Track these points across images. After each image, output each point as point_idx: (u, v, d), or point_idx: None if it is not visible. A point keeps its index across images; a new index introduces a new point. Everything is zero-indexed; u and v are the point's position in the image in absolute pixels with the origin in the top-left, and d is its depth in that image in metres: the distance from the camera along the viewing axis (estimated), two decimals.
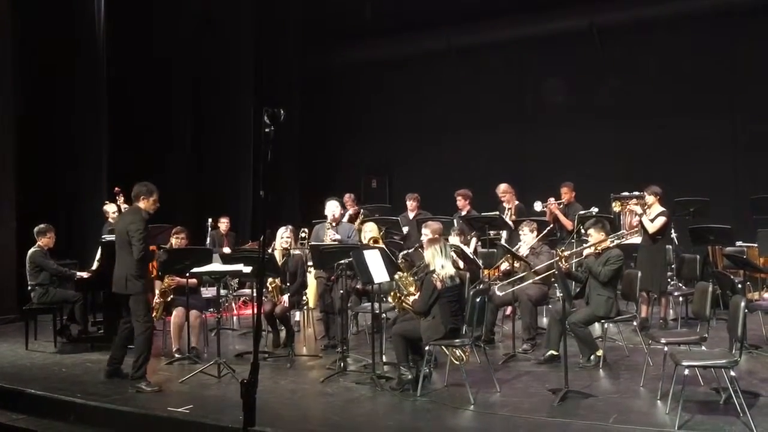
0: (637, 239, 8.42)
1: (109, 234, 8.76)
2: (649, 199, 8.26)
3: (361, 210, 10.53)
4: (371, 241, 7.94)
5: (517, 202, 9.54)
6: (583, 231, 7.99)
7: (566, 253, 6.99)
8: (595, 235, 7.02)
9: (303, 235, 8.39)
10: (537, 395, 5.88)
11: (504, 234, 9.02)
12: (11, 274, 9.68)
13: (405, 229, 9.60)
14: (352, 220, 9.70)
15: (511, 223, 8.86)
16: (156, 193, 6.51)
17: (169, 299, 7.60)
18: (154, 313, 8.35)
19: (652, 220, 8.09)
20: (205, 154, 13.41)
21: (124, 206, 9.35)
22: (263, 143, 3.34)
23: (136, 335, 6.34)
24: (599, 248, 6.95)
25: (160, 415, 5.64)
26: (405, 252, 7.62)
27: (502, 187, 9.60)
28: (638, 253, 8.30)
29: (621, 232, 8.47)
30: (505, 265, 7.80)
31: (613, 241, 7.17)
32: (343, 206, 9.71)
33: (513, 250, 7.71)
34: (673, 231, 9.12)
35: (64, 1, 10.98)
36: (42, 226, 8.44)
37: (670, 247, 8.97)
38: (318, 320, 8.71)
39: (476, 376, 6.24)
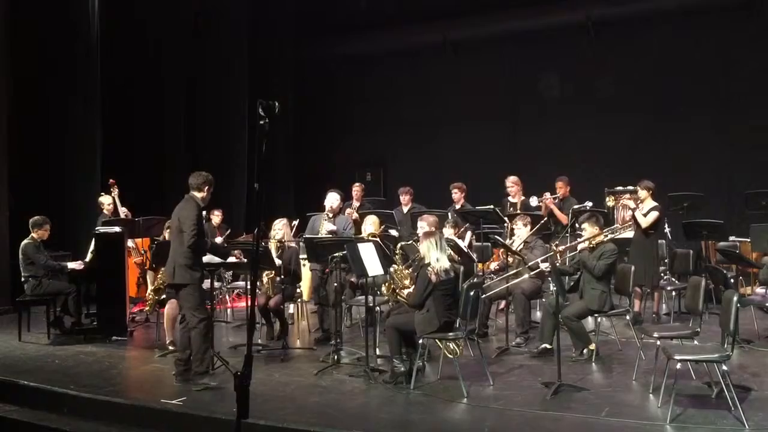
0: (630, 233, 8.44)
1: (104, 226, 8.76)
2: (642, 193, 8.30)
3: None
4: (369, 236, 7.94)
5: (523, 197, 9.46)
6: (577, 225, 7.99)
7: (561, 248, 7.00)
8: (589, 230, 7.03)
9: (294, 223, 8.38)
10: (530, 389, 5.90)
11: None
12: (5, 265, 9.66)
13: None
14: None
15: (505, 217, 8.85)
16: (213, 184, 6.47)
17: (161, 297, 7.59)
18: (146, 307, 8.36)
19: (645, 215, 8.11)
20: (199, 147, 13.37)
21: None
22: (258, 136, 3.32)
23: (189, 328, 6.20)
24: (593, 242, 6.96)
25: (154, 407, 5.64)
26: (402, 243, 7.63)
27: (512, 179, 9.49)
28: (631, 248, 8.32)
29: (614, 226, 8.49)
30: (494, 265, 7.82)
31: (606, 235, 7.18)
32: (349, 197, 9.74)
33: (507, 244, 7.71)
34: (666, 225, 9.15)
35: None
36: (38, 218, 8.38)
37: (664, 241, 9.00)
38: (312, 313, 8.71)
39: (469, 369, 6.25)
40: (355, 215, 9.15)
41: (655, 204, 8.24)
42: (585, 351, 6.69)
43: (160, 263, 7.47)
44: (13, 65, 10.30)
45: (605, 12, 12.39)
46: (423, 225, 7.26)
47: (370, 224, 8.14)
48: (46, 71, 10.71)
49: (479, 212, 8.77)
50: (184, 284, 6.20)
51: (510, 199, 9.52)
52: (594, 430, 5.03)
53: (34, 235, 8.27)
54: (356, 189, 10.17)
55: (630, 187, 8.98)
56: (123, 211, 9.56)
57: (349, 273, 7.66)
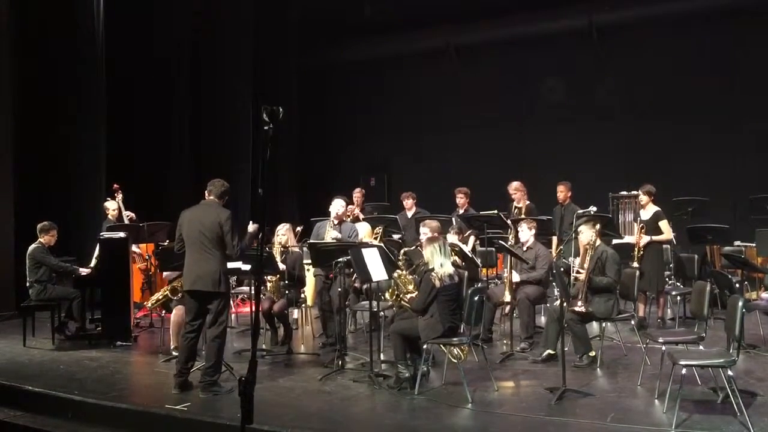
0: (630, 238, 8.46)
1: (109, 231, 8.77)
2: (643, 198, 8.31)
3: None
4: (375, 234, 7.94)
5: (528, 202, 9.41)
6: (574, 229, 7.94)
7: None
8: (586, 232, 6.99)
9: (298, 229, 8.37)
10: (534, 394, 5.89)
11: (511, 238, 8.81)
12: (9, 270, 9.67)
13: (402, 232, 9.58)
14: (357, 218, 9.63)
15: (510, 222, 8.82)
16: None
17: (178, 296, 7.48)
18: (149, 303, 8.32)
19: (650, 223, 8.11)
20: (204, 152, 13.40)
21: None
22: (262, 141, 3.33)
23: (212, 338, 6.02)
24: (588, 248, 6.92)
25: (158, 413, 5.64)
26: (405, 249, 7.61)
27: (514, 185, 9.44)
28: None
29: (629, 241, 8.46)
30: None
31: (592, 238, 7.05)
32: (352, 202, 9.72)
33: (512, 248, 7.70)
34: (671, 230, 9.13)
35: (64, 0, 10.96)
36: (45, 223, 8.41)
37: (669, 246, 8.98)
38: (316, 318, 8.71)
39: (474, 374, 6.25)
40: (361, 216, 9.15)
41: (658, 209, 8.24)
42: (584, 357, 6.65)
43: (165, 268, 7.44)
44: (17, 68, 10.33)
45: (608, 17, 12.39)
46: (426, 230, 7.26)
47: (362, 231, 8.06)
48: (51, 77, 10.72)
49: (483, 217, 8.76)
50: (223, 293, 6.05)
51: (516, 204, 9.50)
52: None
53: (41, 240, 8.31)
54: (357, 195, 10.17)
55: (634, 192, 8.98)
56: (127, 215, 9.58)
57: (352, 278, 7.65)
